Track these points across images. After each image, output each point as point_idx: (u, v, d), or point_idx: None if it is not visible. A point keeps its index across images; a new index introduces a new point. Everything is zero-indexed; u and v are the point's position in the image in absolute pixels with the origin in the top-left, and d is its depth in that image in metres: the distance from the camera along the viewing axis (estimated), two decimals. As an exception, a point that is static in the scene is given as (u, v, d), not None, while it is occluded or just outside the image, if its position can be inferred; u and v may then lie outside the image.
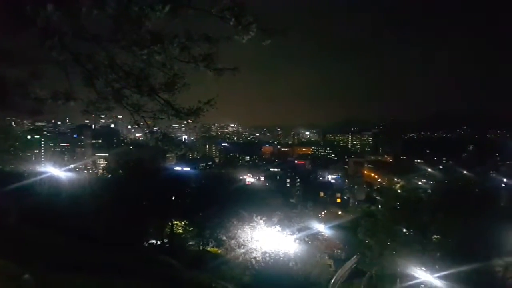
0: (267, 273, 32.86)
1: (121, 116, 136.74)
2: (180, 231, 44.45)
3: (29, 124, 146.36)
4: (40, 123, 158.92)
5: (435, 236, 41.29)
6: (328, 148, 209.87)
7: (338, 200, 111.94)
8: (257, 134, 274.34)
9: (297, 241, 39.77)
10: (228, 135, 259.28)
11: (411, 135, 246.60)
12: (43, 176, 34.21)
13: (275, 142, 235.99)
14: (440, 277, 34.29)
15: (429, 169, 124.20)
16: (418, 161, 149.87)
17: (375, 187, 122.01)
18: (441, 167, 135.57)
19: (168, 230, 43.17)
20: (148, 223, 40.05)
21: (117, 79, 7.21)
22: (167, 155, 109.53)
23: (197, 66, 6.93)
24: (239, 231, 35.40)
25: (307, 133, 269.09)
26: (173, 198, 45.18)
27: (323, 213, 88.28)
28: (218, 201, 42.42)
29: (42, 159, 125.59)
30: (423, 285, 38.04)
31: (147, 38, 6.46)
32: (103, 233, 26.86)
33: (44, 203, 28.95)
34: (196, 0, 6.02)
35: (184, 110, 7.72)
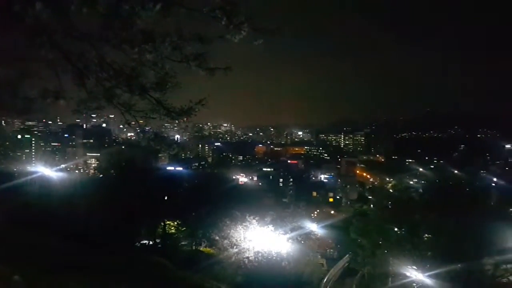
0: (259, 272, 32.87)
1: (112, 116, 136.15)
2: (173, 231, 44.31)
3: (20, 124, 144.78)
4: (30, 123, 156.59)
5: (426, 235, 41.68)
6: (320, 148, 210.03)
7: (331, 200, 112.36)
8: (250, 134, 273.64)
9: (289, 240, 39.89)
10: (221, 135, 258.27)
11: (403, 135, 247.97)
12: (34, 176, 33.95)
13: (268, 142, 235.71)
14: (431, 276, 34.65)
15: (421, 169, 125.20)
16: (410, 160, 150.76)
17: (367, 187, 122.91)
18: (432, 166, 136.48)
19: (161, 230, 43.03)
20: (140, 223, 39.87)
21: (108, 78, 7.11)
22: (160, 155, 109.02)
23: (189, 65, 6.89)
24: (231, 231, 35.41)
25: (300, 133, 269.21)
26: (166, 198, 45.03)
27: (315, 212, 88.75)
28: (211, 201, 42.28)
29: (33, 158, 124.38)
30: (414, 284, 38.40)
31: (138, 37, 6.41)
32: (95, 234, 26.69)
33: (34, 203, 28.70)
34: (187, -1, 5.98)
35: (175, 110, 7.63)
